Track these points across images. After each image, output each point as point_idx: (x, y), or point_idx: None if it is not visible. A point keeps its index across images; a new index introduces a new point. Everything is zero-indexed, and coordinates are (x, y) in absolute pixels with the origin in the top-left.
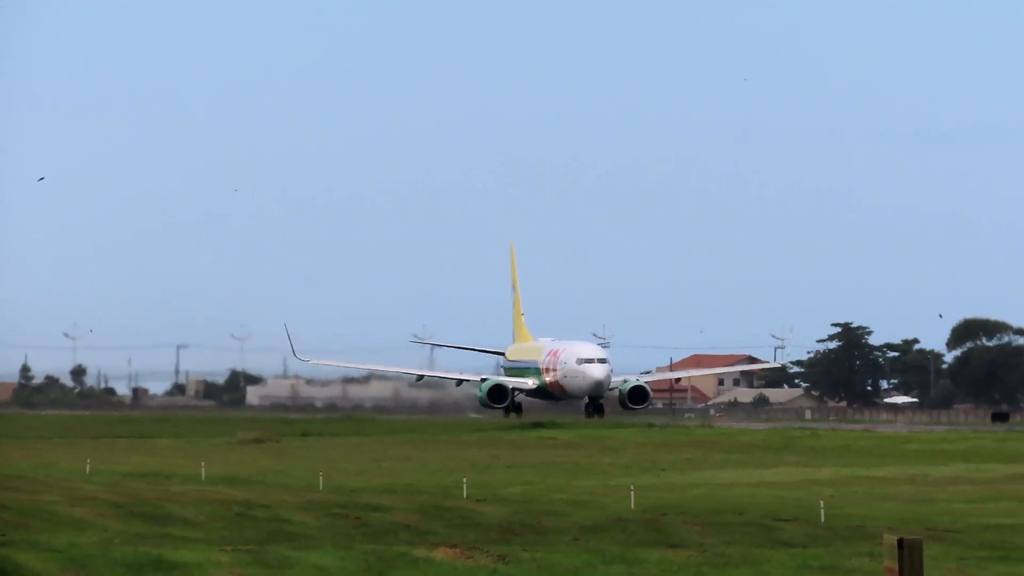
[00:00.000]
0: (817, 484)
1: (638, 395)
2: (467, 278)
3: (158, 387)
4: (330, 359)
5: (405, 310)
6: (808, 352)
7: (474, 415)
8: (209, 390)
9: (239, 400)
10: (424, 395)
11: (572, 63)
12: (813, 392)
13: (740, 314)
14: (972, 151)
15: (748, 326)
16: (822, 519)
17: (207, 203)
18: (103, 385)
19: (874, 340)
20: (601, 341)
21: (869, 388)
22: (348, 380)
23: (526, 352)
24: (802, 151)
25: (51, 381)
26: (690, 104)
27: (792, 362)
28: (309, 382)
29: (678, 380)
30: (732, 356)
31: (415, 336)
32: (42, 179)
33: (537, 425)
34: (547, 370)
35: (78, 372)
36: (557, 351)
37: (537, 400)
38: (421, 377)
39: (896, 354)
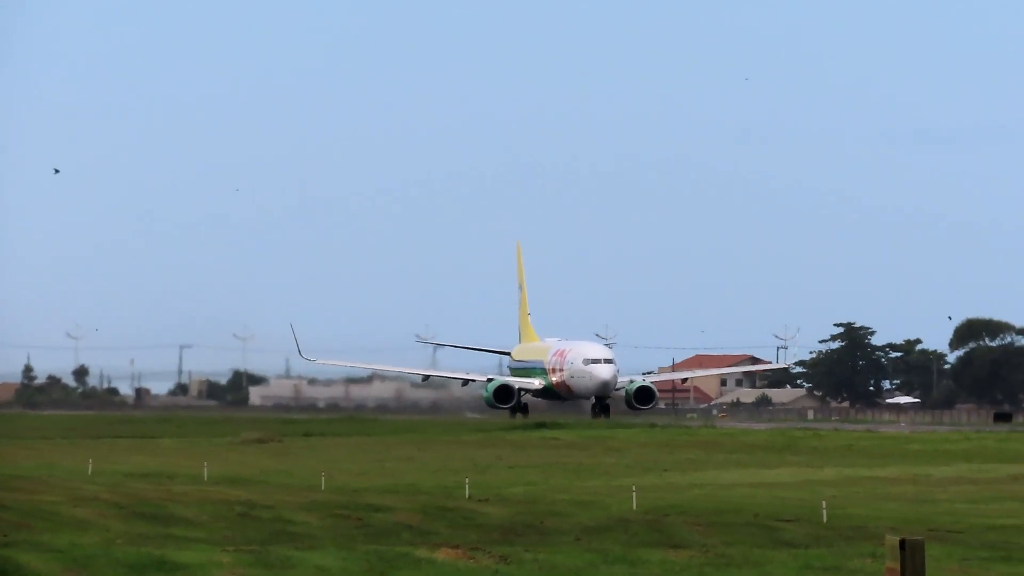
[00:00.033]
0: (819, 484)
1: (644, 395)
2: (469, 278)
3: (161, 387)
4: (333, 359)
5: (407, 310)
6: (810, 352)
7: (472, 415)
8: (212, 390)
9: (242, 400)
10: (427, 395)
11: (573, 63)
12: (815, 392)
13: (742, 314)
14: (974, 152)
15: (750, 326)
16: (824, 519)
17: (209, 203)
18: (106, 385)
19: (877, 340)
20: (606, 341)
21: (871, 388)
22: (351, 380)
23: (532, 352)
24: (804, 151)
25: (53, 381)
26: (691, 104)
27: (796, 363)
28: (312, 382)
29: (684, 380)
30: (734, 356)
31: (418, 336)
32: (57, 171)
33: (540, 425)
34: (553, 370)
35: (81, 372)
36: (563, 351)
37: (543, 400)
38: (427, 377)
39: (899, 354)
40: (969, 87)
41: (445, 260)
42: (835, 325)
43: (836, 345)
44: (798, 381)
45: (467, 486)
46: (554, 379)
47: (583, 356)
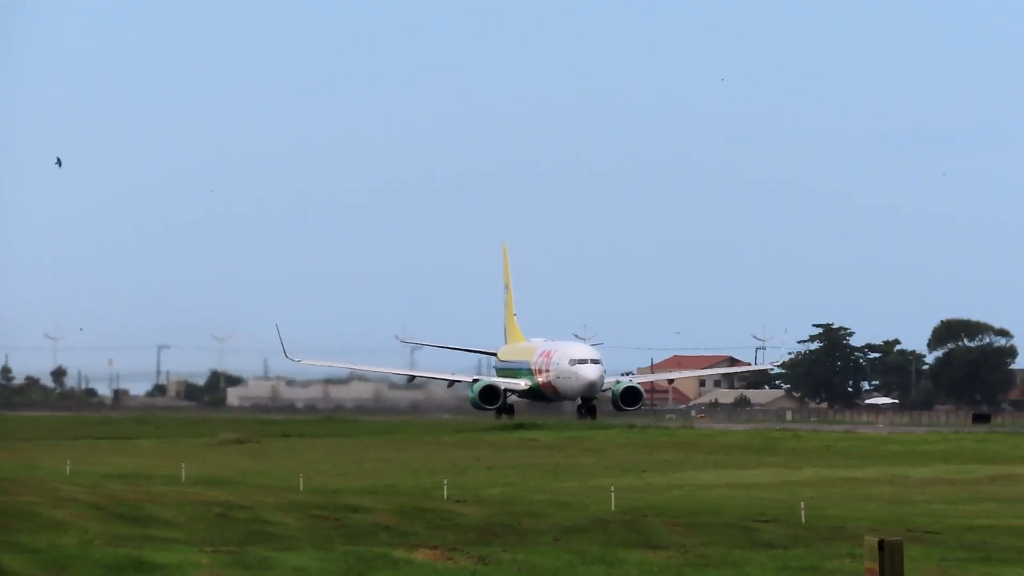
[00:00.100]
0: (798, 485)
1: (631, 396)
2: (450, 278)
3: (139, 388)
4: (315, 360)
5: (388, 311)
6: (789, 353)
7: (447, 415)
8: (190, 391)
9: (219, 401)
10: (406, 396)
11: (560, 64)
12: (794, 393)
13: (720, 315)
14: (954, 153)
15: (728, 327)
16: (803, 520)
17: (189, 205)
18: (84, 386)
19: (855, 341)
20: (593, 342)
21: (850, 389)
22: (329, 381)
23: (518, 353)
24: (785, 153)
25: (32, 382)
26: (673, 105)
27: (780, 366)
28: (290, 383)
29: (672, 381)
30: (713, 357)
31: (397, 336)
32: (60, 163)
33: (519, 426)
34: (539, 371)
35: (59, 373)
36: (550, 352)
37: (529, 401)
38: (413, 378)
39: (877, 355)
40: (956, 88)
41: (425, 261)
42: (813, 326)
43: (815, 346)
44: (776, 382)
45: (445, 487)
46: (540, 380)
47: (569, 357)
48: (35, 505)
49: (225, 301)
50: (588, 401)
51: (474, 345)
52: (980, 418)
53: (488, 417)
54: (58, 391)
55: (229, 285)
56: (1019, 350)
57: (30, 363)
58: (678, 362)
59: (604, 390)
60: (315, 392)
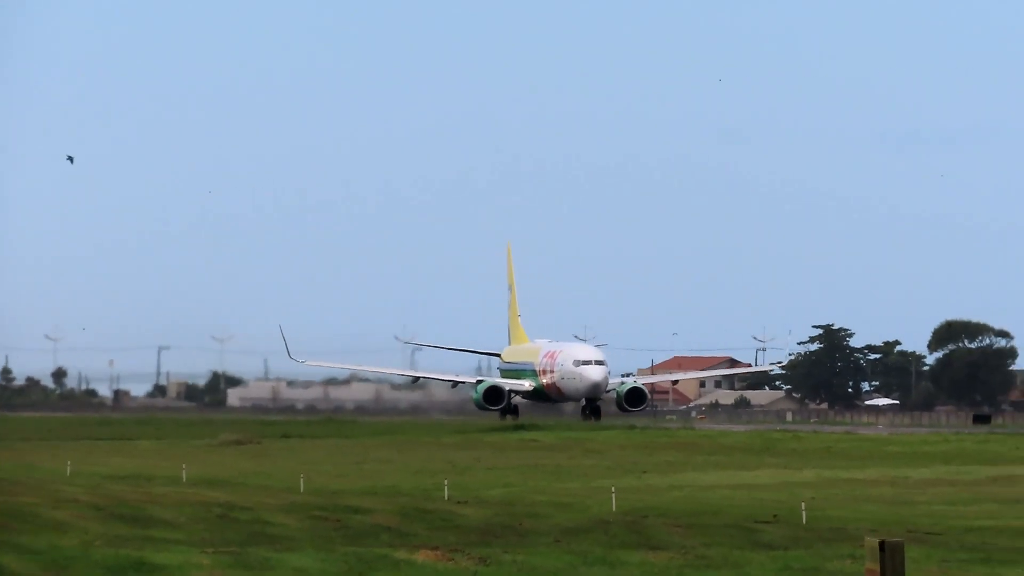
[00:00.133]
0: (798, 486)
1: (635, 397)
2: (450, 279)
3: (139, 389)
4: (316, 360)
5: (388, 312)
6: (789, 354)
7: (448, 416)
8: (190, 392)
9: (220, 402)
10: (406, 397)
11: (561, 64)
12: (794, 394)
13: (720, 316)
14: (954, 153)
15: (728, 328)
16: (803, 521)
17: (189, 205)
18: (84, 387)
19: (855, 342)
20: (595, 343)
21: (850, 390)
22: (329, 382)
23: (522, 354)
24: (785, 153)
25: (32, 383)
26: (672, 105)
27: (782, 367)
28: (290, 384)
29: (676, 382)
30: (714, 358)
31: (397, 337)
32: (71, 159)
33: (519, 427)
34: (544, 372)
35: (59, 374)
36: (554, 353)
37: (534, 402)
38: (417, 379)
39: (877, 356)
40: (954, 88)
41: (424, 261)
42: (814, 327)
43: (815, 347)
44: (777, 383)
45: (446, 488)
46: (544, 381)
47: (574, 358)
48: (35, 506)
49: (225, 302)
50: (592, 402)
51: (474, 346)
52: (980, 419)
53: (492, 418)
54: (58, 392)
55: (229, 286)
56: (1019, 351)
57: (30, 364)
58: (678, 363)
59: (608, 391)
60: (315, 393)
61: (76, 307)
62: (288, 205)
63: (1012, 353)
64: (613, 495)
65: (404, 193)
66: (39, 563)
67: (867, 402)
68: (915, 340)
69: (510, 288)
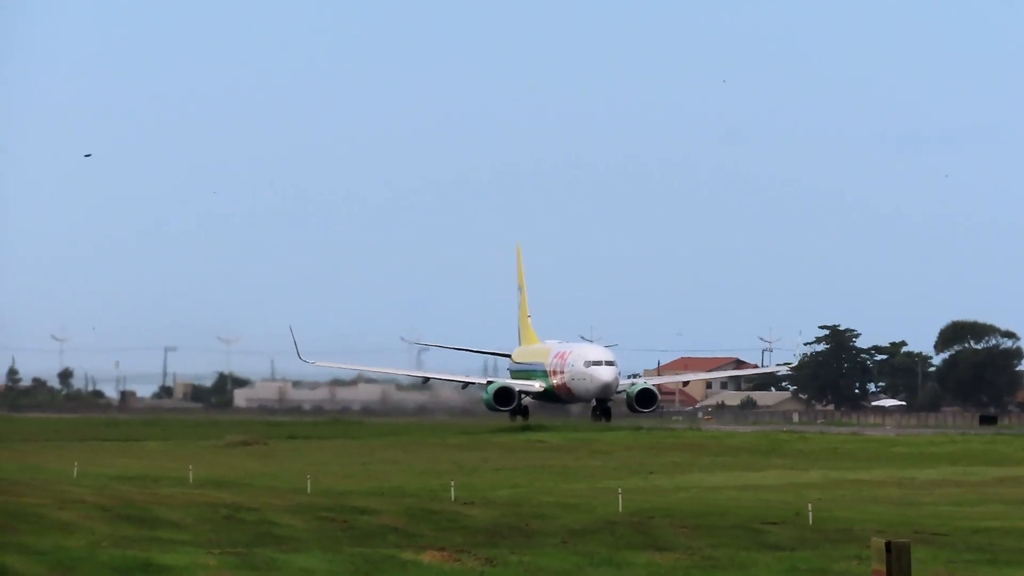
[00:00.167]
0: (805, 487)
1: (646, 398)
2: (452, 279)
3: (145, 390)
4: (327, 361)
5: (391, 312)
6: (795, 355)
7: (455, 417)
8: (196, 393)
9: (226, 403)
10: (413, 397)
11: (567, 64)
12: (801, 395)
13: (726, 316)
14: (959, 153)
15: (734, 329)
16: (810, 522)
17: (195, 206)
18: (90, 388)
19: (862, 343)
20: (604, 343)
21: (857, 391)
22: (336, 383)
23: (532, 354)
24: (790, 153)
25: (38, 384)
26: (675, 106)
27: (792, 368)
28: (296, 384)
29: (686, 383)
30: (720, 359)
31: (403, 338)
32: (88, 155)
33: (526, 428)
34: (554, 372)
35: (65, 375)
36: (564, 353)
37: (544, 403)
38: (427, 380)
39: (884, 357)
40: (959, 89)
41: (429, 262)
42: (820, 327)
43: (821, 347)
44: (783, 384)
45: (452, 488)
46: (555, 381)
47: (584, 358)
48: (42, 507)
49: (232, 303)
50: (603, 403)
51: (480, 346)
52: (987, 420)
53: (503, 419)
54: (64, 393)
55: (235, 286)
56: None
57: (37, 365)
58: (685, 364)
59: (619, 392)
60: (322, 394)
61: (82, 308)
62: (294, 205)
63: (1018, 354)
64: (620, 496)
65: (408, 193)
66: (45, 564)
67: (873, 403)
68: (921, 341)
69: (520, 289)
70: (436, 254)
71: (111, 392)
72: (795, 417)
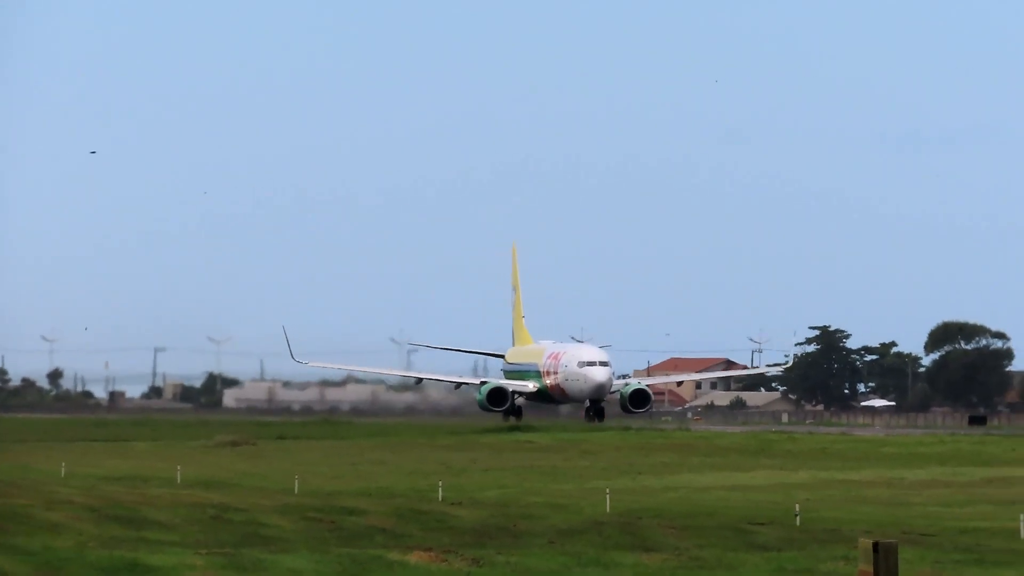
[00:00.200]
0: (793, 487)
1: (640, 398)
2: (442, 280)
3: (135, 390)
4: (320, 362)
5: (381, 312)
6: (785, 355)
7: (445, 418)
8: (186, 393)
9: (215, 403)
10: (402, 398)
11: (563, 64)
12: (790, 395)
13: (715, 317)
14: (950, 154)
15: (724, 329)
16: (798, 522)
17: (184, 207)
18: (80, 388)
19: (851, 343)
20: (599, 344)
21: (846, 391)
22: (325, 383)
23: (526, 355)
24: (781, 153)
25: (27, 384)
26: (668, 106)
27: (786, 368)
28: (286, 385)
29: (680, 383)
30: (710, 359)
31: (393, 339)
32: (94, 152)
33: (515, 428)
34: (548, 373)
35: (55, 375)
36: (558, 354)
37: (537, 403)
38: (420, 380)
39: (874, 357)
40: (951, 89)
41: (420, 262)
42: (810, 328)
43: (811, 348)
44: (773, 384)
45: (440, 489)
46: (548, 382)
47: (578, 359)
48: (30, 507)
49: (221, 303)
50: (596, 403)
51: (471, 346)
52: (976, 420)
53: (496, 419)
54: (54, 393)
55: (225, 287)
56: (1016, 352)
57: (26, 365)
58: (675, 364)
59: (613, 392)
60: (311, 394)
61: (72, 308)
62: (284, 206)
63: (1008, 354)
64: (608, 496)
65: (399, 194)
66: (33, 564)
67: (863, 403)
68: (911, 341)
69: (514, 289)
70: (428, 255)
71: (100, 392)
72: (784, 417)
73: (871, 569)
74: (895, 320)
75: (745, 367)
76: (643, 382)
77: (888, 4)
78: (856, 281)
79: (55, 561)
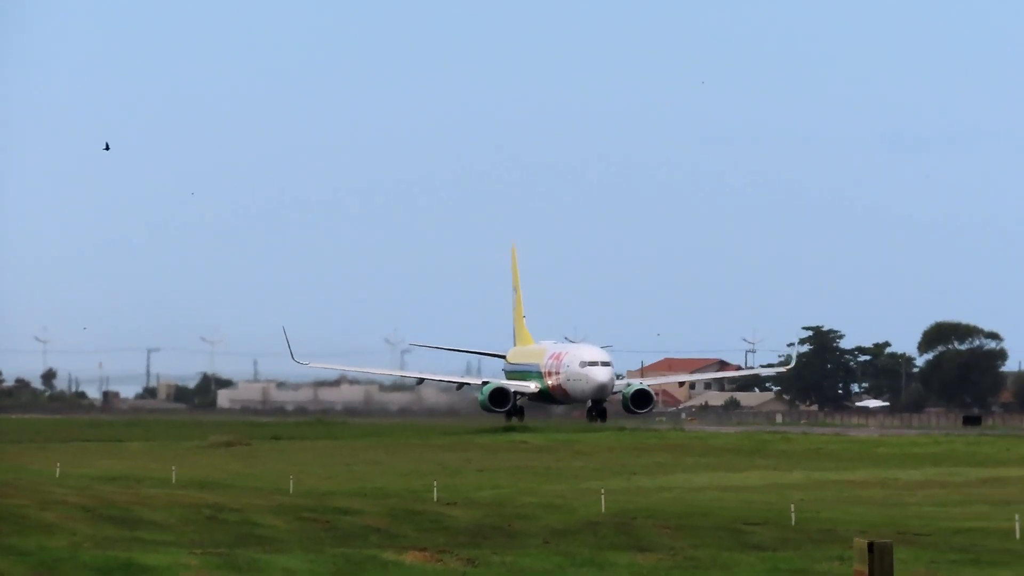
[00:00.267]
0: (788, 488)
1: (642, 399)
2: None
3: (129, 391)
4: (318, 363)
5: (375, 313)
6: (779, 356)
7: (439, 418)
8: (180, 393)
9: (210, 403)
10: (396, 398)
11: (559, 65)
12: (784, 396)
13: (709, 317)
14: (943, 155)
15: (717, 329)
16: (793, 523)
17: (178, 208)
18: (74, 389)
19: (846, 344)
20: (604, 345)
21: (840, 392)
22: (319, 383)
23: (528, 355)
24: (776, 154)
25: (22, 384)
26: (664, 108)
27: (786, 369)
28: (280, 385)
29: (682, 384)
30: (703, 360)
31: (387, 340)
32: (107, 148)
33: (509, 429)
34: (549, 373)
35: (49, 376)
36: (560, 354)
37: (539, 404)
38: (422, 381)
39: (867, 358)
40: (944, 90)
41: (415, 262)
42: (804, 328)
43: (805, 348)
44: (767, 384)
45: (435, 489)
46: (550, 382)
47: (580, 359)
48: (24, 507)
49: (215, 303)
50: (598, 404)
51: (468, 346)
52: (970, 421)
53: (498, 420)
54: (48, 393)
55: (219, 287)
56: (1009, 353)
57: (20, 366)
58: (668, 364)
59: (615, 392)
60: (305, 395)
61: (66, 309)
62: (278, 206)
63: (1002, 355)
64: (602, 497)
65: (396, 194)
66: (27, 564)
67: (857, 404)
68: (905, 342)
69: (515, 289)
70: (423, 255)
71: (94, 393)
72: (778, 418)
73: (866, 569)
74: (889, 320)
75: (739, 367)
76: (643, 383)
77: (888, 4)
78: (849, 281)
79: (49, 561)
